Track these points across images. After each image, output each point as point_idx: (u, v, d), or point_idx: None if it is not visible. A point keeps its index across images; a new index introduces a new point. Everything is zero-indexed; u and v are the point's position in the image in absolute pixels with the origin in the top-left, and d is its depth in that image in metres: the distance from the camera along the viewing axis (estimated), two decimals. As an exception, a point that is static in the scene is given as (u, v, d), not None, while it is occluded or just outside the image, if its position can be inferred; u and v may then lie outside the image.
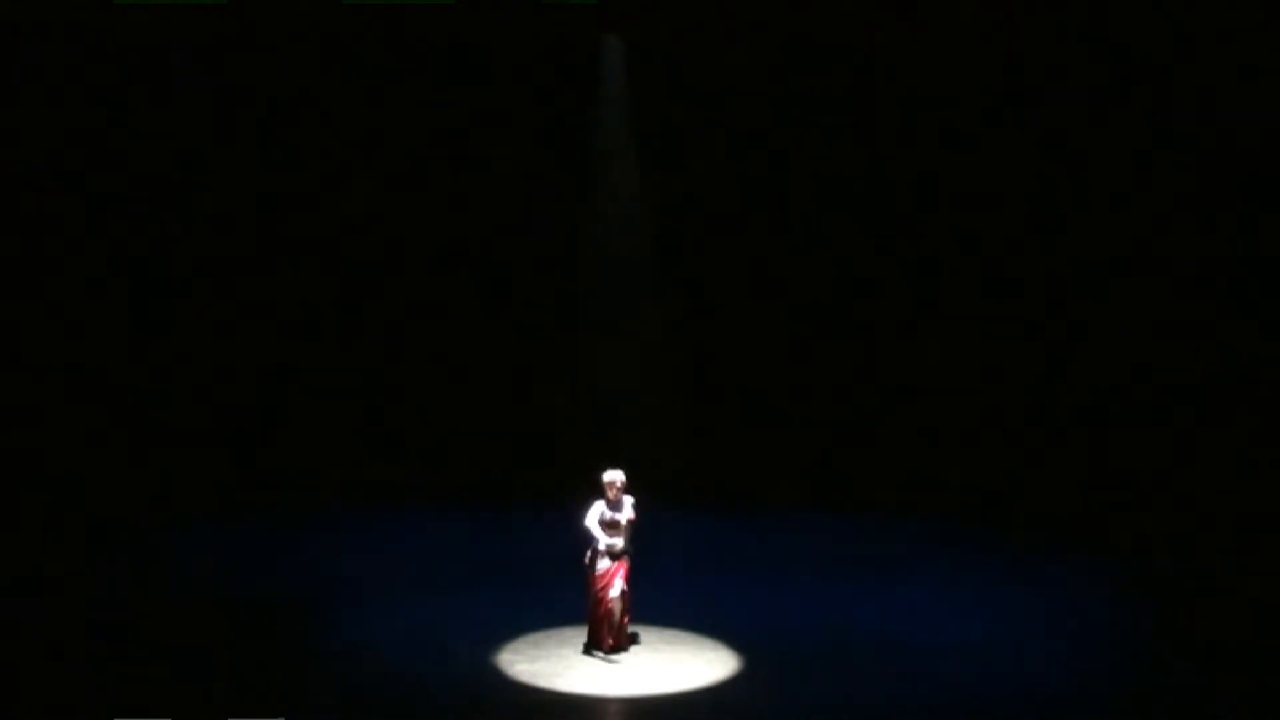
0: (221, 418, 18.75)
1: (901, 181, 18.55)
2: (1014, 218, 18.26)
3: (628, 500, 12.08)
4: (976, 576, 14.97)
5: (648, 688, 11.47)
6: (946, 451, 18.35)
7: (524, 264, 19.12)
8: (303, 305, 18.99)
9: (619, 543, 12.02)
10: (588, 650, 12.10)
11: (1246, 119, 16.93)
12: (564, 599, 12.96)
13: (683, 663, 12.04)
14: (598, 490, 12.12)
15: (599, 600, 12.04)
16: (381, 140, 18.82)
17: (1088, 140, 17.80)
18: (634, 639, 12.28)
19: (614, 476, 12.09)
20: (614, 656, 12.04)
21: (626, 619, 12.14)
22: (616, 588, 12.01)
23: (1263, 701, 11.16)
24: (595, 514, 12.05)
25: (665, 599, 12.42)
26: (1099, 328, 18.05)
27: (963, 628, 13.09)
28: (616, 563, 12.04)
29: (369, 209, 18.95)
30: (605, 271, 19.18)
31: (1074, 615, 13.55)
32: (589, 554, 12.10)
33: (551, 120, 18.80)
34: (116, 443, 18.17)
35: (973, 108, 18.16)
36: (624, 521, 12.01)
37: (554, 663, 11.99)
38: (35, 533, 16.00)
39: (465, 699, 11.24)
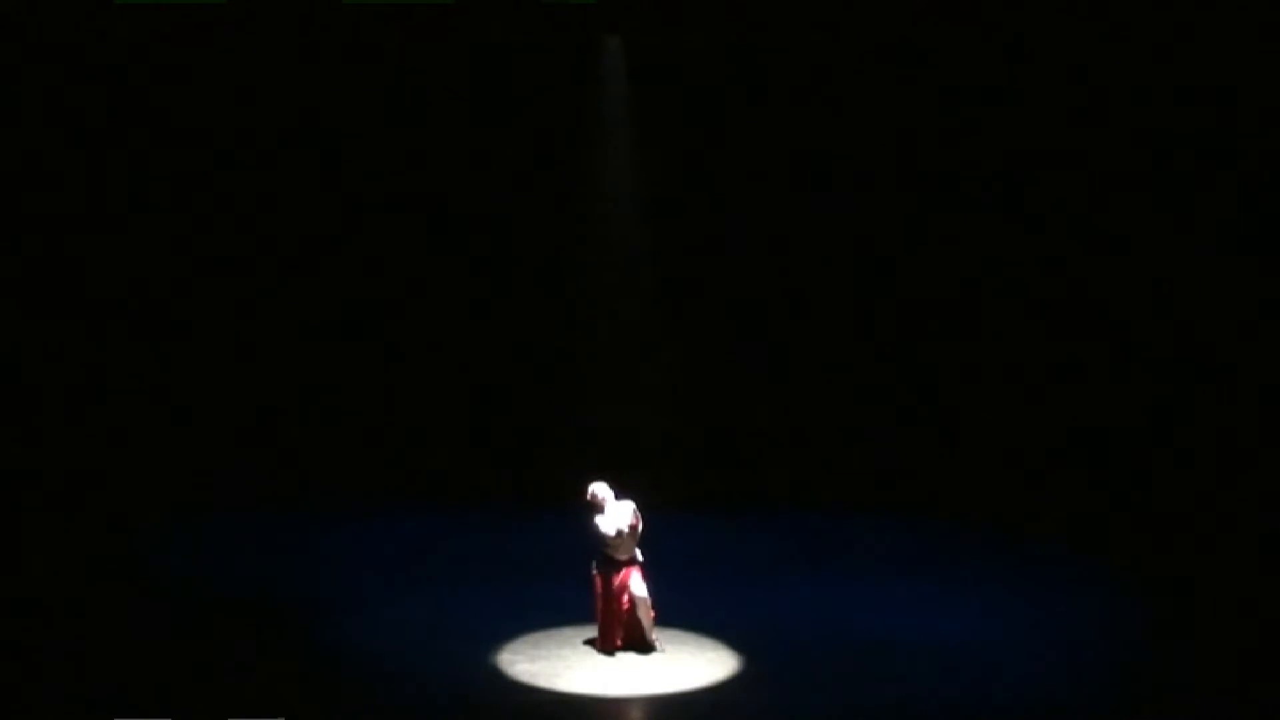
0: (221, 416, 18.74)
1: (906, 179, 18.51)
2: (1021, 215, 18.24)
3: (628, 506, 12.10)
4: (977, 577, 14.94)
5: (647, 688, 11.48)
6: (947, 451, 18.33)
7: (523, 263, 19.11)
8: (302, 303, 18.97)
9: (626, 550, 12.06)
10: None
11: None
12: (564, 599, 12.97)
13: (683, 663, 12.05)
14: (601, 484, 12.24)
15: (617, 603, 12.05)
16: (380, 141, 18.80)
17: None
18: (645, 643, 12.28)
19: (595, 490, 12.16)
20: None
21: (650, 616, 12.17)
22: (641, 588, 12.03)
23: (1261, 704, 11.17)
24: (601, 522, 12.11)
25: (665, 599, 12.41)
26: (1097, 326, 18.03)
27: (963, 629, 13.08)
28: (627, 568, 12.07)
29: (367, 208, 18.94)
30: (605, 271, 19.17)
31: (1075, 617, 13.52)
32: (595, 564, 12.17)
33: (551, 120, 18.78)
34: (116, 441, 18.16)
35: (981, 99, 18.10)
36: (626, 528, 12.03)
37: (554, 663, 12.00)
38: (34, 532, 15.99)
39: (465, 699, 11.24)
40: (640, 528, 12.10)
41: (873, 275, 18.82)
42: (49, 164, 18.20)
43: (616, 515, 12.05)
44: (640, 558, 12.16)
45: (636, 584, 12.07)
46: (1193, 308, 17.49)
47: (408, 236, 19.02)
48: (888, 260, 18.75)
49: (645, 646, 12.14)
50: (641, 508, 12.18)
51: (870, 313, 18.83)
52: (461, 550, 15.93)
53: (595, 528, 12.10)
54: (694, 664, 12.03)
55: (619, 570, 12.06)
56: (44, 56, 17.80)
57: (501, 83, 18.66)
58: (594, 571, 12.17)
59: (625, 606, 12.04)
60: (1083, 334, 18.13)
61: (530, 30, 17.96)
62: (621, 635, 12.13)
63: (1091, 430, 17.93)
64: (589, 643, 12.30)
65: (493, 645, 12.44)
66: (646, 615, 12.12)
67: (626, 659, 12.06)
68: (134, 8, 17.06)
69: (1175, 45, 16.97)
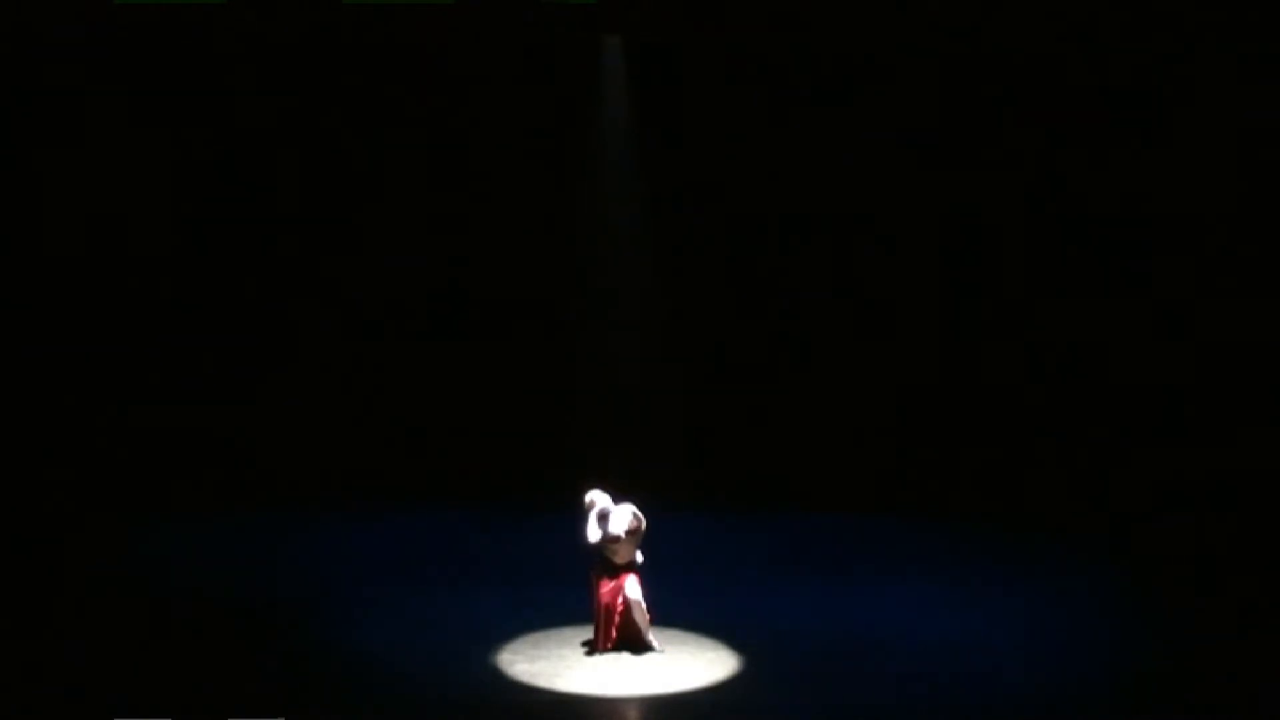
0: (219, 416, 18.74)
1: (903, 181, 18.51)
2: (1003, 218, 18.26)
3: (627, 509, 12.08)
4: (977, 576, 14.96)
5: (648, 688, 11.49)
6: (945, 451, 18.33)
7: (523, 263, 19.10)
8: (301, 303, 18.98)
9: (626, 554, 12.06)
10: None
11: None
12: (564, 600, 12.97)
13: (682, 663, 12.05)
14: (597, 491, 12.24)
15: (610, 606, 12.07)
16: (380, 140, 18.81)
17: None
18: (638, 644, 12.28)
19: (591, 496, 12.19)
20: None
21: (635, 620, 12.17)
22: (635, 590, 12.04)
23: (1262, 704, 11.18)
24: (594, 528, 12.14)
25: (665, 600, 12.42)
26: (1093, 325, 18.03)
27: (963, 629, 13.08)
28: (623, 573, 12.07)
29: (366, 207, 18.95)
30: (604, 270, 19.16)
31: (1076, 618, 13.54)
32: (594, 565, 12.20)
33: (551, 120, 18.78)
34: (114, 441, 18.16)
35: (981, 104, 18.11)
36: (623, 534, 12.02)
37: (554, 663, 12.01)
38: (33, 532, 16.00)
39: (465, 699, 11.24)
40: (643, 529, 12.09)
41: (871, 274, 18.81)
42: (45, 163, 18.21)
43: (613, 520, 12.04)
44: (640, 560, 12.16)
45: (631, 587, 12.07)
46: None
47: (406, 236, 19.00)
48: (886, 258, 18.73)
49: (643, 648, 12.15)
50: (641, 508, 12.17)
51: (869, 312, 18.81)
52: (461, 550, 15.95)
53: (590, 534, 12.10)
54: (694, 664, 12.04)
55: (616, 574, 12.07)
56: (43, 56, 17.82)
57: (502, 83, 18.64)
58: (591, 572, 12.19)
59: (619, 609, 12.06)
60: (1078, 332, 18.12)
61: (530, 30, 17.96)
62: (616, 637, 12.14)
63: (1090, 429, 17.92)
64: (587, 644, 12.32)
65: (492, 645, 12.44)
66: (642, 618, 12.12)
67: (625, 659, 12.06)
68: (134, 8, 17.07)
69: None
